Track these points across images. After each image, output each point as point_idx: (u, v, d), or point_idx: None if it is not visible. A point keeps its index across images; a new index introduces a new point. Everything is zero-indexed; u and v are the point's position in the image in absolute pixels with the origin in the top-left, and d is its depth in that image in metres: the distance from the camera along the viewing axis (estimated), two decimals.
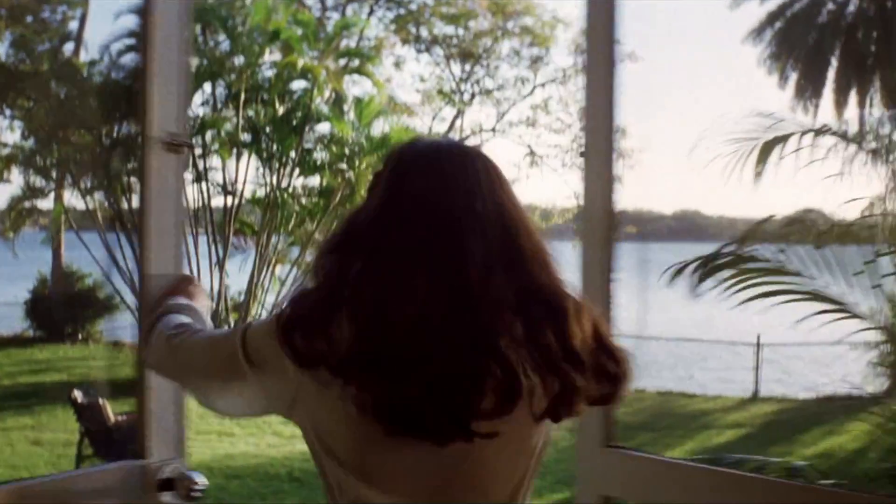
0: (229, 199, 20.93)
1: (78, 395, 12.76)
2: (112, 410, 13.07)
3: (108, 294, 27.42)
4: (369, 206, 1.70)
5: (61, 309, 27.01)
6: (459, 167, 1.66)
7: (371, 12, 28.10)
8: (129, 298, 21.48)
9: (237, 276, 21.71)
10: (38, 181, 21.65)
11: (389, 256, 1.59)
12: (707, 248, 6.50)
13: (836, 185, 9.14)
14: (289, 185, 20.78)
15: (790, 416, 17.57)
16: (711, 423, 17.21)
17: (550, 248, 1.69)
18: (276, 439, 15.33)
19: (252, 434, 15.64)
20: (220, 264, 20.54)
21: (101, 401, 12.61)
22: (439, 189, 1.63)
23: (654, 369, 26.07)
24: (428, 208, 1.61)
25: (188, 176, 21.26)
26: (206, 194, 20.78)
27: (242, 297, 20.97)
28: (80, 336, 27.51)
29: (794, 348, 23.67)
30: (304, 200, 21.31)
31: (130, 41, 19.87)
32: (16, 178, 22.34)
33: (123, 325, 26.78)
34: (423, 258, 1.57)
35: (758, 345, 20.90)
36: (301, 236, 21.12)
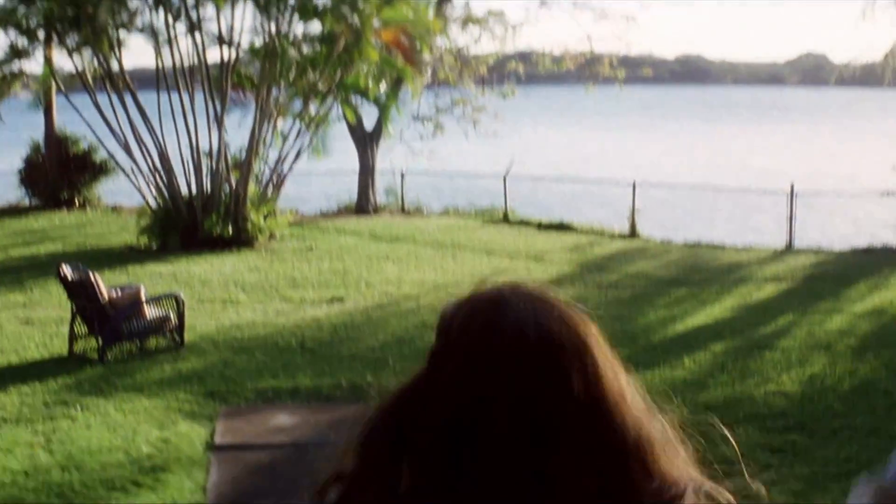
0: (226, 50, 19.42)
1: (67, 271, 11.59)
2: (107, 284, 11.97)
3: (104, 157, 26.53)
4: None
5: (56, 175, 26.04)
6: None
7: None
8: (124, 160, 20.22)
9: (237, 132, 20.38)
10: (23, 42, 20.07)
11: None
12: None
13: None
14: (288, 32, 19.20)
15: (830, 269, 16.48)
16: (748, 276, 16.14)
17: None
18: (284, 305, 14.29)
19: (259, 301, 14.59)
20: (219, 121, 19.20)
21: (92, 276, 11.44)
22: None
23: (679, 218, 24.94)
24: None
25: (181, 27, 19.88)
26: (200, 47, 19.28)
27: (243, 155, 19.67)
28: (76, 203, 26.59)
29: (827, 199, 22.49)
30: (305, 49, 19.81)
31: None
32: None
33: (123, 190, 25.80)
34: None
35: (791, 194, 19.67)
36: (303, 87, 19.71)
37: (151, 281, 15.55)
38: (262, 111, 19.39)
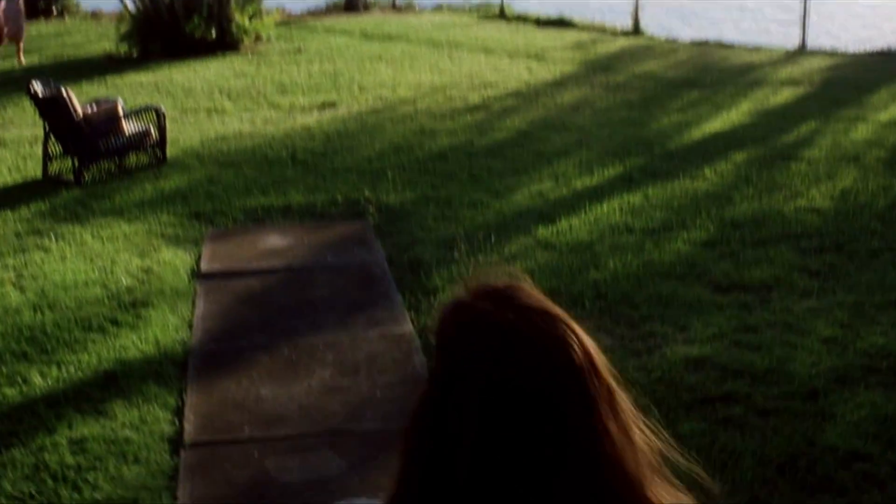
0: None
1: (38, 87, 10.70)
2: (85, 98, 11.13)
3: None
4: None
5: None
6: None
7: None
8: None
9: None
10: None
11: None
12: None
13: None
14: None
15: (849, 74, 15.50)
16: (762, 79, 15.19)
17: None
18: (273, 113, 13.44)
19: (246, 109, 13.73)
20: None
21: (64, 91, 10.55)
22: None
23: (683, 15, 23.78)
24: None
25: None
26: None
27: None
28: (53, 11, 25.31)
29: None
30: None
31: None
32: None
33: None
34: None
35: None
36: None
37: (132, 91, 14.67)
38: None
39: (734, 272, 7.62)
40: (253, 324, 7.20)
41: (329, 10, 24.29)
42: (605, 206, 9.33)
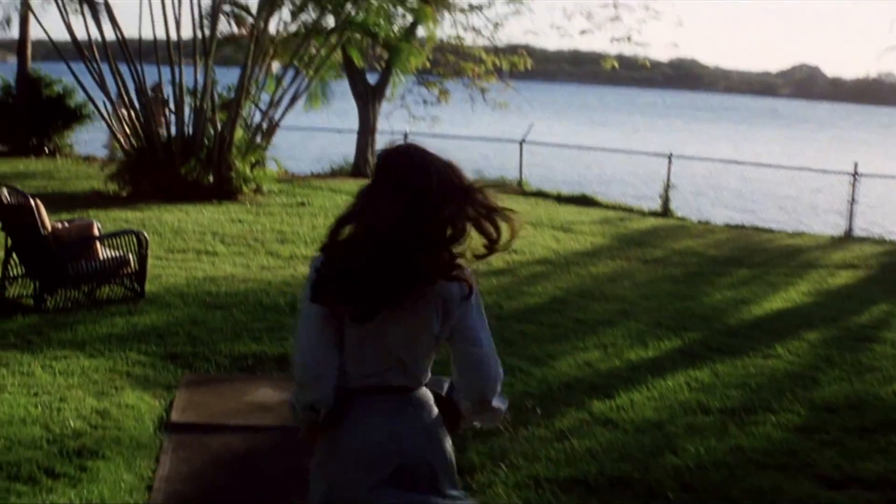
0: None
1: (3, 193, 9.16)
2: (53, 218, 9.58)
3: (80, 102, 24.22)
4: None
5: (26, 119, 23.55)
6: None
7: None
8: (99, 98, 17.76)
9: (226, 72, 18.01)
10: None
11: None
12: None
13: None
14: None
15: None
16: (814, 261, 13.87)
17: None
18: (271, 260, 11.91)
19: (240, 254, 12.20)
20: (206, 52, 16.75)
21: (32, 201, 8.99)
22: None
23: (713, 198, 22.68)
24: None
25: None
26: None
27: (232, 94, 17.26)
28: (46, 150, 24.14)
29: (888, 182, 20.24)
30: None
31: None
32: None
33: (99, 139, 23.48)
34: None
35: (855, 175, 17.35)
36: (306, 22, 17.33)
37: (115, 226, 13.13)
38: (257, 46, 16.94)
39: (845, 464, 6.04)
40: (231, 493, 5.45)
41: (335, 174, 23.12)
42: (668, 381, 7.72)
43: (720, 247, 14.87)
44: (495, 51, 25.91)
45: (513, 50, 26.26)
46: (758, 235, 16.59)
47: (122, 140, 17.36)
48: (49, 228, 8.99)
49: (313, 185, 20.10)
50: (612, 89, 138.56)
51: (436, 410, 3.08)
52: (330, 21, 17.87)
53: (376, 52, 21.74)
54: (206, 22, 16.79)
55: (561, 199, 19.75)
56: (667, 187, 19.04)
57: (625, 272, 12.31)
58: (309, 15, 17.64)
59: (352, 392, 3.00)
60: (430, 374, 3.11)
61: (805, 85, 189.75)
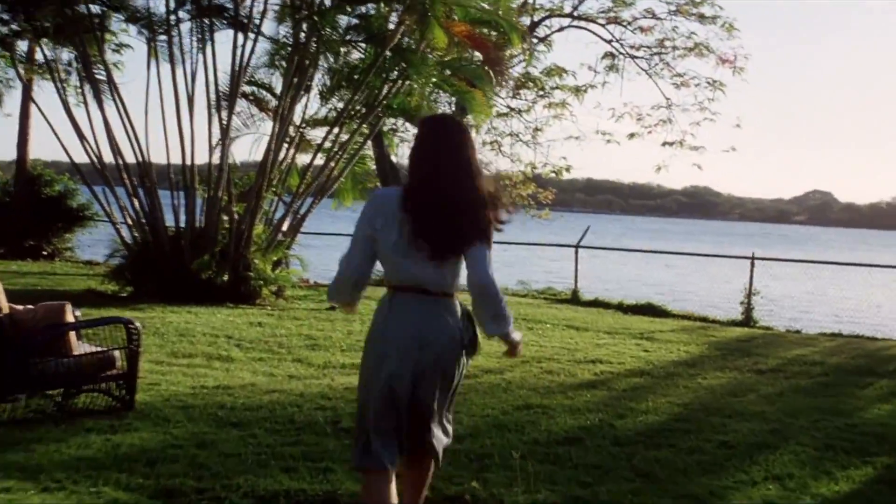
0: (240, 39, 14.82)
1: None
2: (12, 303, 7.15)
3: (83, 202, 22.27)
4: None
5: (26, 221, 21.47)
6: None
7: None
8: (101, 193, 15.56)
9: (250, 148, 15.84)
10: None
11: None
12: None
13: None
14: (324, 23, 14.58)
15: None
16: None
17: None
18: (301, 368, 9.44)
19: (262, 360, 9.73)
20: (223, 132, 14.55)
21: None
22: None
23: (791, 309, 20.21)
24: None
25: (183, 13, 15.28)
26: (207, 34, 14.73)
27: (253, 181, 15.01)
28: (45, 253, 21.97)
29: None
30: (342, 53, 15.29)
31: None
32: None
33: (103, 242, 21.23)
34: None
35: None
36: (335, 103, 15.18)
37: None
38: (281, 129, 14.72)
39: None
40: None
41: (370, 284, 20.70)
42: None
43: (837, 355, 12.33)
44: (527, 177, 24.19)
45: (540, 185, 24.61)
46: (865, 343, 14.07)
47: (123, 232, 15.05)
48: (5, 309, 6.54)
49: None
50: (625, 218, 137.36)
51: (458, 312, 4.18)
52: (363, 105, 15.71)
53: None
54: (223, 102, 14.59)
55: (625, 308, 17.28)
56: (749, 293, 16.58)
57: (744, 385, 9.76)
58: (340, 97, 15.49)
59: (392, 287, 4.20)
60: (456, 285, 4.17)
61: (819, 211, 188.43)
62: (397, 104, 15.51)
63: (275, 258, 14.80)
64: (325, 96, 15.41)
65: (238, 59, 14.36)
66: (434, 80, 14.60)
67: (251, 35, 14.50)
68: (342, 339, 11.28)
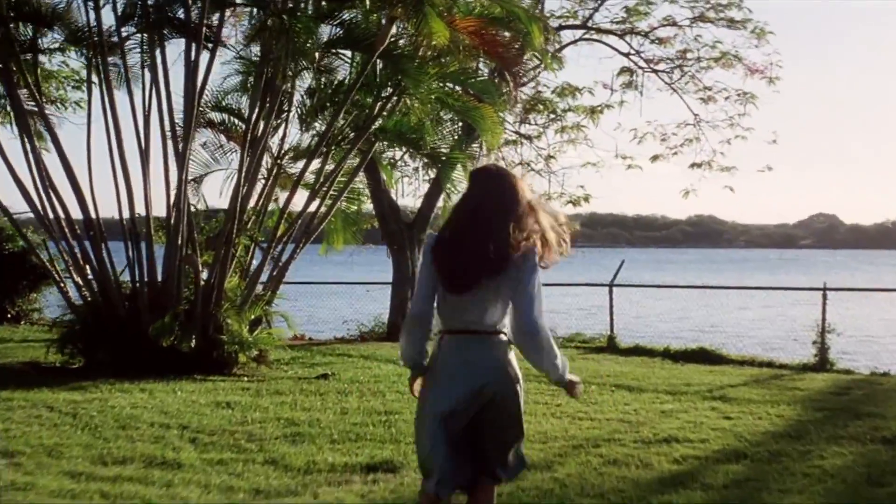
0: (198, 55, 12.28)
1: None
2: None
3: (50, 257, 19.67)
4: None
5: None
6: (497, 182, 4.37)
7: None
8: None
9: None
10: None
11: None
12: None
13: None
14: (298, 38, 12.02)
15: None
16: None
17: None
18: (275, 477, 6.80)
19: (222, 463, 7.11)
20: (180, 166, 11.97)
21: None
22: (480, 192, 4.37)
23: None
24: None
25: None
26: (157, 52, 12.22)
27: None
28: (8, 314, 19.44)
29: None
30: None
31: None
32: None
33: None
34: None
35: None
36: (318, 127, 12.61)
37: (26, 415, 8.24)
38: (252, 160, 12.17)
39: None
40: None
41: (364, 338, 18.09)
42: None
43: None
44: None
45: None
46: None
47: (70, 293, 12.49)
48: None
49: (338, 351, 15.06)
50: (633, 250, 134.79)
51: (504, 348, 4.29)
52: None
53: (419, 173, 16.99)
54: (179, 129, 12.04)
55: (674, 355, 14.63)
56: (822, 331, 13.95)
57: (879, 464, 7.15)
58: (323, 120, 12.95)
59: (443, 332, 4.31)
60: (504, 322, 4.28)
61: (825, 234, 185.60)
62: (393, 125, 12.96)
63: (253, 316, 12.18)
64: (304, 120, 12.87)
65: (193, 75, 11.79)
66: (434, 94, 12.02)
67: (209, 46, 11.95)
68: (333, 423, 8.63)
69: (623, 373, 12.39)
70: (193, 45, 11.81)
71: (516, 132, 22.28)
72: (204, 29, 11.78)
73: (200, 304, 11.83)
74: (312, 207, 12.98)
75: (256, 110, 12.13)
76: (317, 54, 12.46)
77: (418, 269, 4.53)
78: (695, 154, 21.53)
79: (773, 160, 22.57)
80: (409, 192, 18.28)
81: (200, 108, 13.11)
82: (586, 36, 21.70)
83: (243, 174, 12.04)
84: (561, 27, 21.13)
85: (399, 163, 16.58)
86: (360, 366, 12.86)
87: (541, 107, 22.06)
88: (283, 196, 14.21)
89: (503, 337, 4.24)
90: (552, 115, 22.15)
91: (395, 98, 12.73)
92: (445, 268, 4.18)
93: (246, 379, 11.31)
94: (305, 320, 21.18)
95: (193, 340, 11.66)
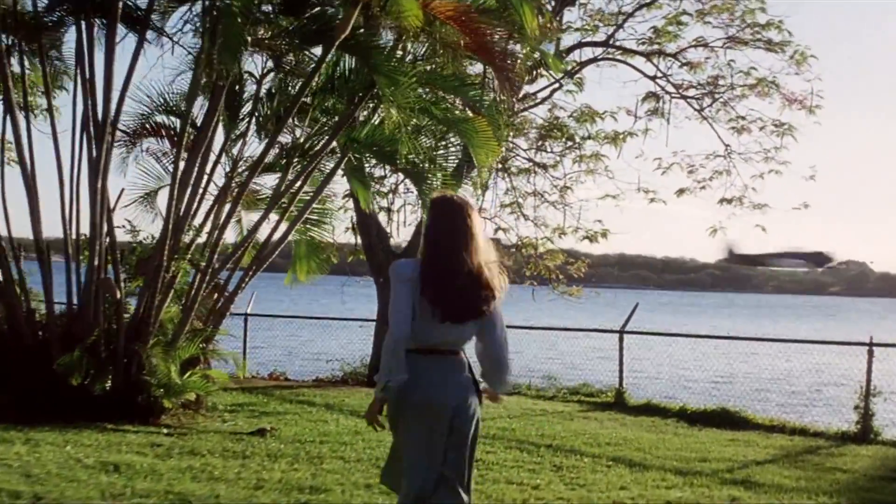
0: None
1: None
2: None
3: None
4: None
5: None
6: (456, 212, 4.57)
7: None
8: None
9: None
10: None
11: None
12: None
13: None
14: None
15: None
16: None
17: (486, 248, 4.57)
18: None
19: None
20: (96, 171, 10.08)
21: None
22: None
23: None
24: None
25: None
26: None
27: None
28: None
29: None
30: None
31: None
32: None
33: None
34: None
35: None
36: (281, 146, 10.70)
37: None
38: (188, 168, 10.26)
39: None
40: None
41: (346, 380, 16.04)
42: None
43: None
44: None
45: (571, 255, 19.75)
46: None
47: None
48: None
49: (301, 397, 13.03)
50: (658, 293, 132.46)
51: (466, 368, 4.56)
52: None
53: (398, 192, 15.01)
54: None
55: (690, 416, 12.52)
56: (867, 394, 11.81)
57: None
58: (290, 130, 11.06)
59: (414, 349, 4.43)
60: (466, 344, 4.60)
61: (856, 281, 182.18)
62: (366, 136, 11.03)
63: (188, 354, 10.22)
64: (263, 126, 10.97)
65: (110, 63, 9.90)
66: (413, 100, 10.05)
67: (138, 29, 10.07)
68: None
69: (627, 440, 10.28)
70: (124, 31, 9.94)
71: (530, 159, 20.38)
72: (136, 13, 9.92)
73: (122, 338, 9.89)
74: (266, 229, 11.05)
75: (199, 113, 10.25)
76: (282, 49, 10.60)
77: (394, 291, 4.47)
78: (724, 188, 19.44)
79: (808, 199, 20.31)
80: (410, 221, 16.20)
81: (147, 111, 11.29)
82: (609, 54, 19.76)
83: (178, 186, 10.09)
84: (581, 44, 19.17)
85: (377, 181, 14.64)
86: (314, 418, 10.85)
87: (557, 133, 20.11)
88: (247, 217, 12.36)
89: (464, 357, 4.59)
90: (569, 143, 20.21)
91: (368, 103, 10.82)
92: (443, 299, 4.39)
93: (165, 431, 9.32)
94: (285, 356, 19.36)
95: (109, 381, 9.73)
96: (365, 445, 9.07)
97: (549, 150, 20.39)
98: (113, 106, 10.03)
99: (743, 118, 19.25)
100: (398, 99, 10.03)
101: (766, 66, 19.28)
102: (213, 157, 10.93)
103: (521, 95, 16.76)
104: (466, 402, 4.42)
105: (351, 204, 15.69)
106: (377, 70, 9.88)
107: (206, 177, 10.66)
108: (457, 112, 11.73)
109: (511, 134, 19.93)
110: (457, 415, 4.39)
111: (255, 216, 11.41)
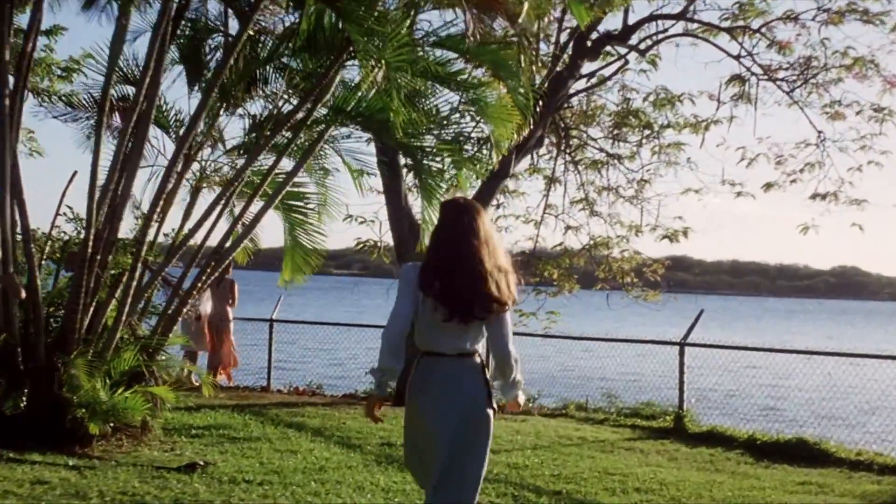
0: None
1: None
2: None
3: None
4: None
5: None
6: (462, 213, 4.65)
7: None
8: None
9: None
10: None
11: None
12: None
13: None
14: None
15: None
16: None
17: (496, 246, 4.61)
18: None
19: None
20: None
21: None
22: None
23: None
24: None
25: None
26: None
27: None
28: None
29: None
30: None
31: None
32: None
33: None
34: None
35: None
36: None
37: None
38: (139, 127, 8.47)
39: None
40: None
41: (345, 397, 14.10)
42: None
43: None
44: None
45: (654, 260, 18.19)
46: None
47: None
48: None
49: (299, 416, 11.13)
50: (774, 300, 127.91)
51: (478, 371, 4.59)
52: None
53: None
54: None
55: (759, 447, 10.22)
56: None
57: None
58: (261, 97, 9.22)
59: (421, 353, 4.58)
60: (479, 347, 4.62)
61: None
62: (352, 105, 9.11)
63: (126, 365, 8.41)
64: (228, 93, 9.11)
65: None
66: (402, 56, 8.08)
67: None
68: None
69: (665, 484, 8.04)
70: None
71: (602, 149, 18.30)
72: None
73: (42, 348, 8.14)
74: (221, 217, 9.17)
75: (145, 73, 8.43)
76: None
77: (398, 292, 4.50)
78: (817, 182, 16.96)
79: None
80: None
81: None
82: (688, 31, 17.47)
83: (118, 159, 8.31)
84: (652, 16, 16.91)
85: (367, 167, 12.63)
86: (283, 447, 8.88)
87: (633, 119, 18.01)
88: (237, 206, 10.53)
89: (478, 359, 4.61)
90: (646, 132, 18.09)
91: (348, 62, 8.90)
92: (447, 298, 4.42)
93: (72, 464, 7.50)
94: (330, 366, 17.68)
95: (23, 400, 7.99)
96: (317, 487, 7.13)
97: (625, 139, 18.37)
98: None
99: (839, 102, 16.79)
100: (384, 55, 8.11)
101: (864, 44, 16.85)
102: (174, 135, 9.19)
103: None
104: (474, 405, 4.47)
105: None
106: (347, 18, 7.94)
107: (156, 152, 8.88)
108: (473, 80, 9.74)
109: (572, 120, 17.99)
110: (464, 419, 4.43)
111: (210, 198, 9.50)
